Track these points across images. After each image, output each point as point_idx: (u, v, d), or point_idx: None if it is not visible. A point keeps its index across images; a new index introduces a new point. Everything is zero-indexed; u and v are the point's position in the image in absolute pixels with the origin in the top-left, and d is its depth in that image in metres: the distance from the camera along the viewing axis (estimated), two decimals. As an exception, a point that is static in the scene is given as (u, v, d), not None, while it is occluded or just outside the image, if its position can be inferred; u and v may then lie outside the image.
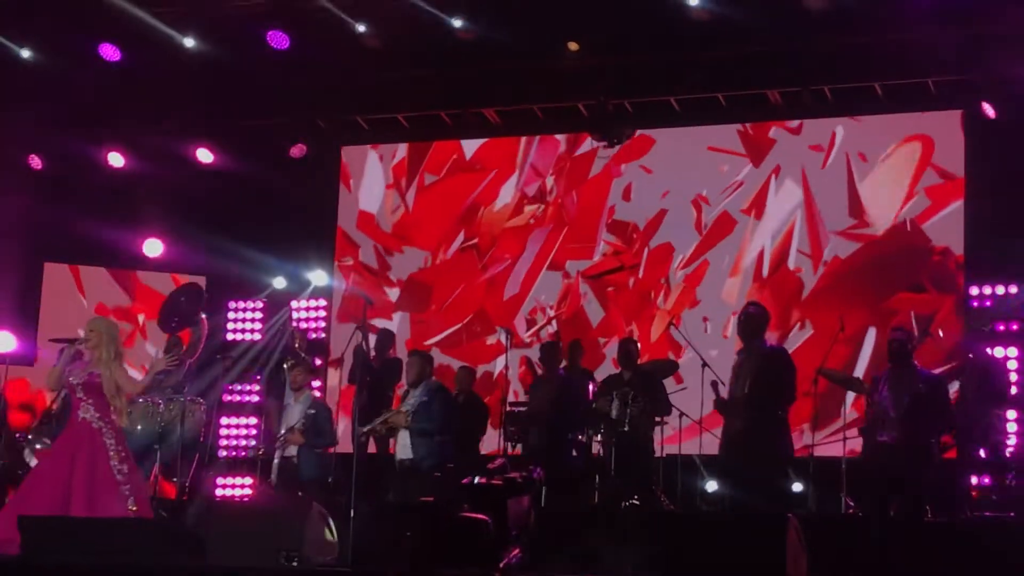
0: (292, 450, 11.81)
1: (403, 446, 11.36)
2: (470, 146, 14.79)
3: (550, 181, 14.43)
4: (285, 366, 12.41)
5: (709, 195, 13.81)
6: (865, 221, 13.30)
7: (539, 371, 12.72)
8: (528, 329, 14.23)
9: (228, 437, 13.68)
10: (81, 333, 9.42)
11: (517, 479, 8.87)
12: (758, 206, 13.68)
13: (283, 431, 11.84)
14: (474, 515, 8.39)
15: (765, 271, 13.61)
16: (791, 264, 13.53)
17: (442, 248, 14.78)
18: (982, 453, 10.80)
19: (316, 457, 11.80)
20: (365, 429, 11.70)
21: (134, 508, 9.03)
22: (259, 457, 12.59)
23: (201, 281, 14.61)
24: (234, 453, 13.58)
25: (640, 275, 13.94)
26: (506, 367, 12.27)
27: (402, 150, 15.01)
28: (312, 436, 11.68)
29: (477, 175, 14.76)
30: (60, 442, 9.35)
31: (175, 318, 13.58)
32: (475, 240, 14.67)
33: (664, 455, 11.72)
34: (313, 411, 11.82)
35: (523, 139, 14.58)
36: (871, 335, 12.90)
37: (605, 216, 14.17)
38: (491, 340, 14.17)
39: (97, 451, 9.08)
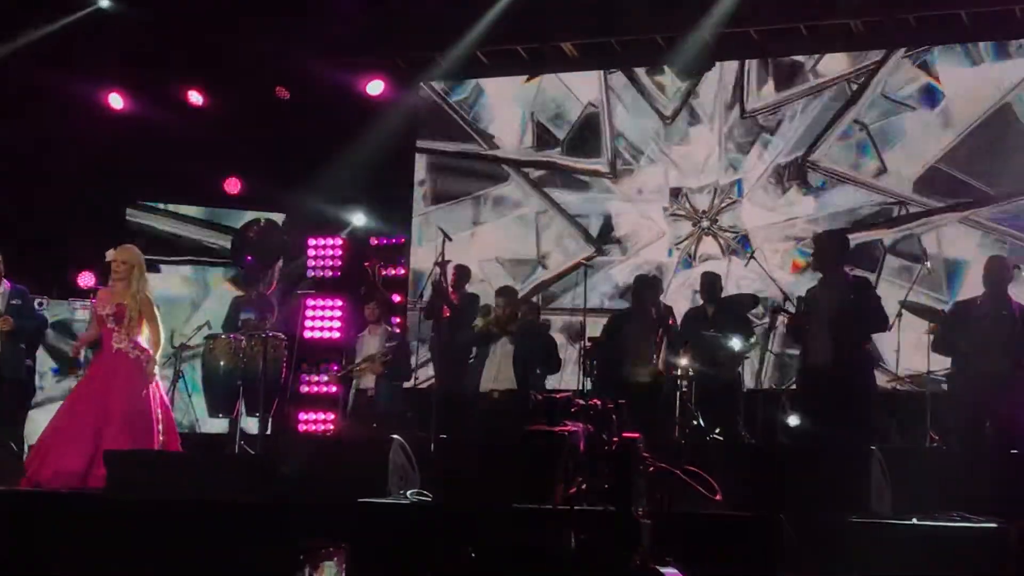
0: (367, 382, 11.91)
1: (495, 378, 11.38)
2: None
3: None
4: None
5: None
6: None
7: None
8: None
9: (309, 373, 13.81)
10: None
11: None
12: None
13: (358, 361, 11.92)
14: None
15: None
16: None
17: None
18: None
19: (393, 390, 11.90)
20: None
21: (163, 438, 9.25)
22: (335, 380, 12.68)
23: (280, 218, 14.71)
24: (315, 389, 13.72)
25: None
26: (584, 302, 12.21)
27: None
28: (390, 368, 11.76)
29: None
30: (94, 371, 9.46)
31: (247, 253, 13.74)
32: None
33: (745, 389, 11.69)
34: (391, 343, 11.90)
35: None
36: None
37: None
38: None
39: (135, 378, 9.23)
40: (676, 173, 13.95)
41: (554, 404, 6.68)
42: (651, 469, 6.41)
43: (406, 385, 12.56)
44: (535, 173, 14.51)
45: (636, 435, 6.55)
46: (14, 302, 10.25)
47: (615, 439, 6.53)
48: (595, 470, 6.45)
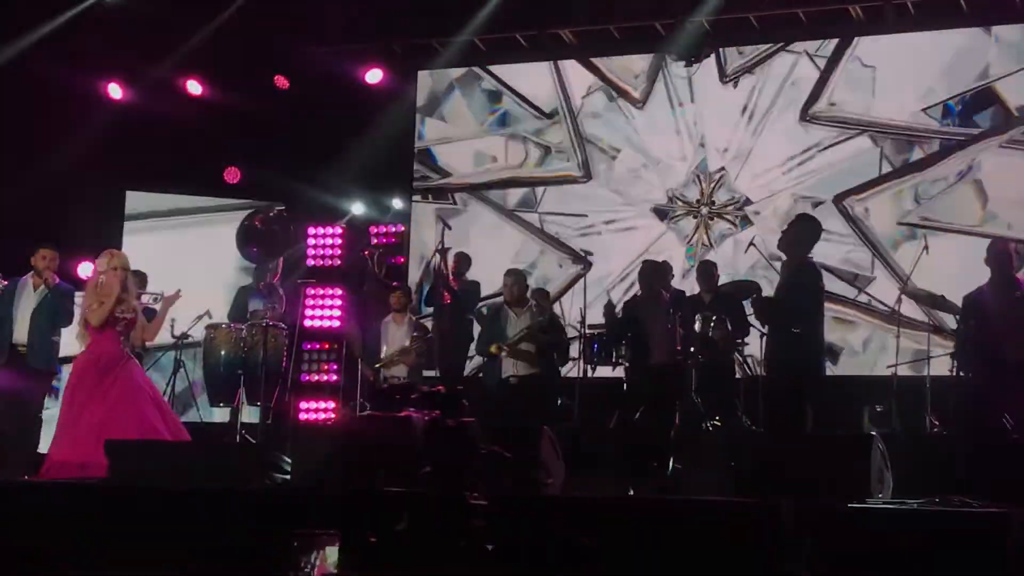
0: (396, 372, 11.92)
1: (514, 365, 11.37)
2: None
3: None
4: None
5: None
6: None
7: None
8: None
9: (310, 362, 13.79)
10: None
11: None
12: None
13: (385, 352, 11.92)
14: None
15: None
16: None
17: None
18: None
19: (419, 380, 11.95)
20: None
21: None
22: (371, 372, 12.60)
23: (279, 208, 14.68)
24: (316, 378, 13.69)
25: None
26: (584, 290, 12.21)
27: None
28: (424, 359, 11.83)
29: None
30: (101, 367, 9.28)
31: (253, 245, 13.69)
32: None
33: (747, 376, 11.67)
34: (419, 333, 11.93)
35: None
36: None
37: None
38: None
39: (149, 385, 9.36)
40: (657, 183, 13.97)
41: (395, 391, 6.82)
42: (484, 452, 6.52)
43: (427, 373, 12.56)
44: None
45: (471, 420, 6.70)
46: (50, 296, 10.32)
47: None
48: (435, 455, 6.56)
